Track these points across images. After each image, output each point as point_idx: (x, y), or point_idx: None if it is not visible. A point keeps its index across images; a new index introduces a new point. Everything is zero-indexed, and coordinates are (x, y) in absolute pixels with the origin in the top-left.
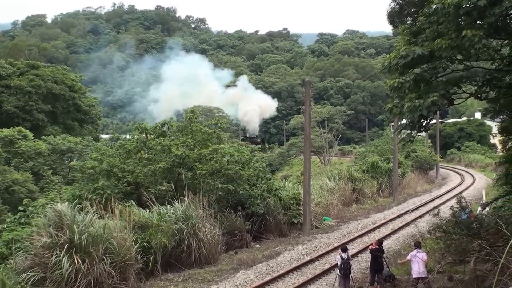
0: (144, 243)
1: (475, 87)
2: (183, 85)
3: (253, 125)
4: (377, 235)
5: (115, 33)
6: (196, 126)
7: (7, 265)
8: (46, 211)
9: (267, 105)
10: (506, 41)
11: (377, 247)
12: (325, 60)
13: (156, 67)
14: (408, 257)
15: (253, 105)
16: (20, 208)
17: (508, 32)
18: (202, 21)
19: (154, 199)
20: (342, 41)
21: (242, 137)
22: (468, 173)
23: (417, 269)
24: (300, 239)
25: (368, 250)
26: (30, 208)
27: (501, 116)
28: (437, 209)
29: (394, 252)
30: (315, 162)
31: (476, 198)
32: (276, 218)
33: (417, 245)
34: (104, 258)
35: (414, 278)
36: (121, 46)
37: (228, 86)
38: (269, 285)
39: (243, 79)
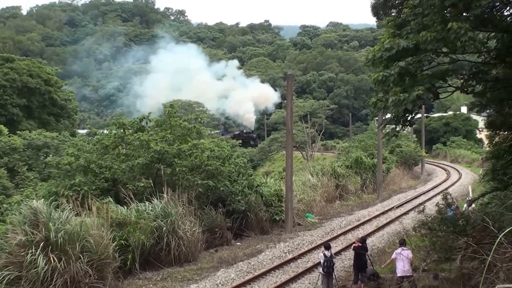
0: (122, 241)
1: (461, 81)
2: (174, 77)
3: (249, 120)
4: (361, 232)
5: (93, 25)
6: (175, 120)
7: None
8: (21, 208)
9: (265, 96)
10: (493, 34)
11: (360, 244)
12: (308, 53)
13: (141, 59)
14: (393, 256)
15: (247, 96)
16: None
17: (495, 25)
18: (182, 13)
19: (132, 196)
20: (325, 34)
21: (236, 132)
22: (454, 168)
23: (402, 267)
24: (282, 237)
25: (352, 248)
26: (4, 205)
27: (487, 111)
28: (422, 206)
29: (378, 250)
30: (297, 158)
31: (463, 195)
32: (257, 215)
33: (402, 243)
34: (81, 256)
35: (399, 276)
36: (100, 38)
37: (220, 79)
38: (250, 284)
39: (232, 65)
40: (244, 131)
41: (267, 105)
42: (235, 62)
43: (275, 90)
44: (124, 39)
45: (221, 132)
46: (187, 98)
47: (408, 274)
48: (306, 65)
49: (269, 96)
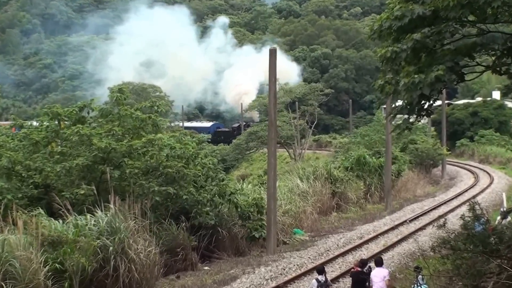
0: (57, 265)
1: (493, 58)
2: (145, 52)
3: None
4: (364, 253)
5: None
6: (125, 110)
7: None
8: None
9: (284, 73)
10: None
11: (359, 269)
12: (296, 23)
13: (98, 31)
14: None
15: (251, 76)
16: None
17: None
18: None
19: (69, 207)
20: None
21: (235, 125)
22: (484, 171)
23: None
24: (263, 259)
25: (349, 274)
26: None
27: None
28: (443, 219)
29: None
30: (282, 157)
31: (495, 204)
32: (231, 231)
33: (378, 262)
34: (3, 285)
35: None
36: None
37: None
38: None
39: (220, 22)
40: (249, 123)
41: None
42: (223, 20)
43: None
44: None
45: (213, 125)
46: (166, 82)
47: None
48: (294, 37)
49: (289, 72)
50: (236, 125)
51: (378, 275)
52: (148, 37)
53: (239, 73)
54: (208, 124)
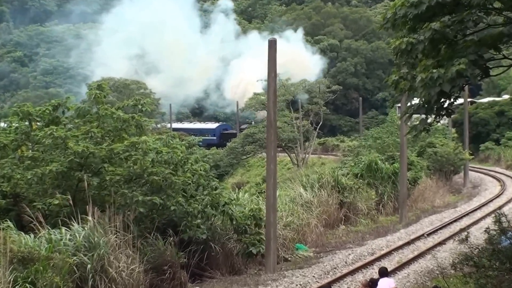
0: (28, 285)
1: None
2: (139, 44)
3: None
4: (375, 271)
5: None
6: (105, 109)
7: None
8: None
9: (300, 64)
10: None
11: None
12: (299, 10)
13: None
14: None
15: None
16: None
17: None
18: None
19: (42, 219)
20: None
21: (244, 126)
22: None
23: None
24: (262, 278)
25: None
26: None
27: None
28: (465, 233)
29: None
30: (283, 163)
31: None
32: (225, 246)
33: (383, 273)
34: None
35: None
36: None
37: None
38: None
39: (222, 7)
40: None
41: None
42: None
43: None
44: None
45: (219, 127)
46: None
47: None
48: (296, 27)
49: (305, 63)
50: (245, 126)
51: (384, 286)
52: (142, 24)
53: (245, 64)
54: (213, 125)
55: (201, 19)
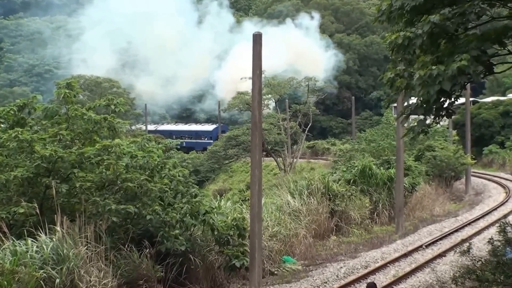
0: None
1: None
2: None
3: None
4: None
5: None
6: (75, 110)
7: None
8: None
9: (309, 59)
10: None
11: None
12: (286, 1)
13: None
14: None
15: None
16: None
17: None
18: None
19: (6, 229)
20: None
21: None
22: None
23: None
24: None
25: None
26: None
27: None
28: (467, 244)
29: None
30: (269, 168)
31: None
32: (206, 259)
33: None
34: None
35: None
36: None
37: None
38: None
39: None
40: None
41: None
42: None
43: None
44: None
45: (216, 129)
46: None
47: None
48: (283, 20)
49: (315, 57)
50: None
51: None
52: (128, 14)
53: (237, 58)
54: (209, 127)
55: (194, 6)
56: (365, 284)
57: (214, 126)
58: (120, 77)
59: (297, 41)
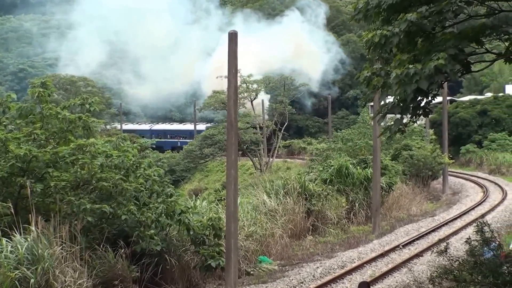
0: None
1: (506, 44)
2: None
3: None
4: (347, 286)
5: None
6: (49, 109)
7: None
8: None
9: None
10: None
11: None
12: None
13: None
14: None
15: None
16: None
17: None
18: None
19: None
20: None
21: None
22: (495, 183)
23: None
24: None
25: None
26: None
27: None
28: (444, 244)
29: None
30: (245, 167)
31: (508, 225)
32: (181, 259)
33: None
34: None
35: None
36: None
37: None
38: None
39: None
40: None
41: (311, 76)
42: None
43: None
44: None
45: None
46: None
47: None
48: (259, 18)
49: (314, 54)
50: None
51: None
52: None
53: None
54: (204, 126)
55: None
56: (348, 283)
57: (208, 125)
58: (106, 75)
59: (274, 39)
